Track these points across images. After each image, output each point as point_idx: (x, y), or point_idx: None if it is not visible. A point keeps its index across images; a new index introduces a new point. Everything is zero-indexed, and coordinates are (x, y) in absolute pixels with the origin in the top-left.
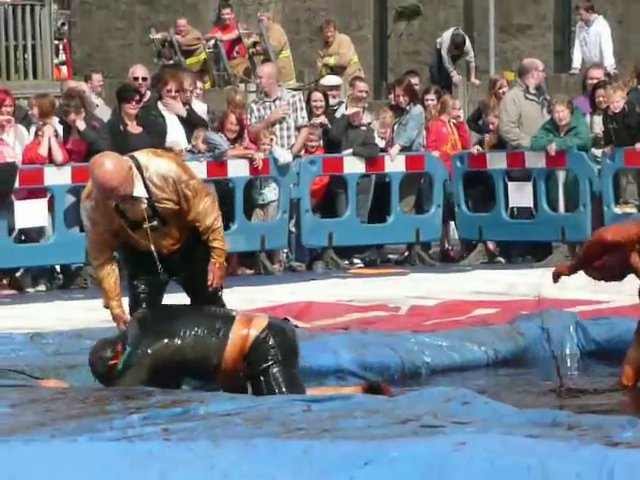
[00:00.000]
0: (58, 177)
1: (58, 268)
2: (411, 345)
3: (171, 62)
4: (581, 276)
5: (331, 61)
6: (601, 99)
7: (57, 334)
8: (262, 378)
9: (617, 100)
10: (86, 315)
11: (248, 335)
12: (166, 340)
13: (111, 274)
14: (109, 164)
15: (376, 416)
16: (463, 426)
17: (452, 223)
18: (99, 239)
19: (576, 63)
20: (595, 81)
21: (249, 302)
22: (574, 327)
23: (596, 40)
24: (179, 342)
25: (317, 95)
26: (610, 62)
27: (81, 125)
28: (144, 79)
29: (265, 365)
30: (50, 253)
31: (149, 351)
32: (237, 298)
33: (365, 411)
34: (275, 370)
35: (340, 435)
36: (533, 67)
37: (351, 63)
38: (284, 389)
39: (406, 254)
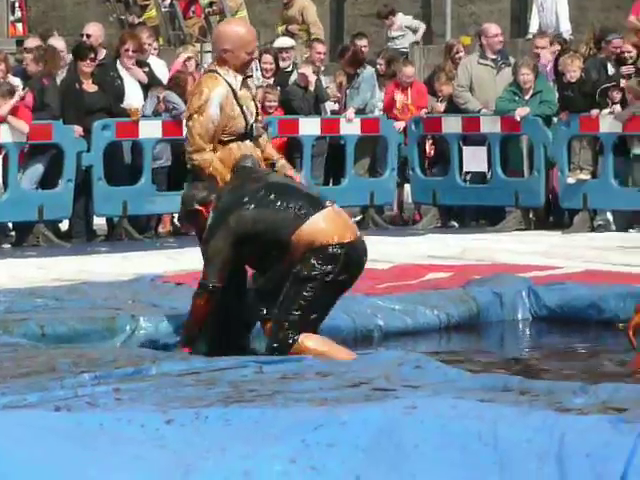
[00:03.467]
0: (12, 134)
1: (10, 225)
2: (364, 308)
3: (122, 18)
4: (535, 242)
5: (304, 36)
6: (563, 67)
7: (9, 292)
8: (297, 283)
9: (574, 69)
10: (38, 273)
11: (325, 234)
12: (252, 206)
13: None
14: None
15: (328, 379)
16: (414, 390)
17: (407, 186)
18: (215, 129)
19: (533, 28)
20: (539, 50)
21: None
22: (527, 292)
23: (553, 6)
24: (262, 209)
25: (267, 57)
26: (566, 28)
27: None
28: (96, 37)
29: (313, 274)
30: (2, 210)
31: (234, 224)
32: (190, 258)
33: (317, 373)
34: (315, 286)
35: (292, 397)
36: (485, 32)
37: (314, 26)
38: (298, 310)
39: (360, 217)
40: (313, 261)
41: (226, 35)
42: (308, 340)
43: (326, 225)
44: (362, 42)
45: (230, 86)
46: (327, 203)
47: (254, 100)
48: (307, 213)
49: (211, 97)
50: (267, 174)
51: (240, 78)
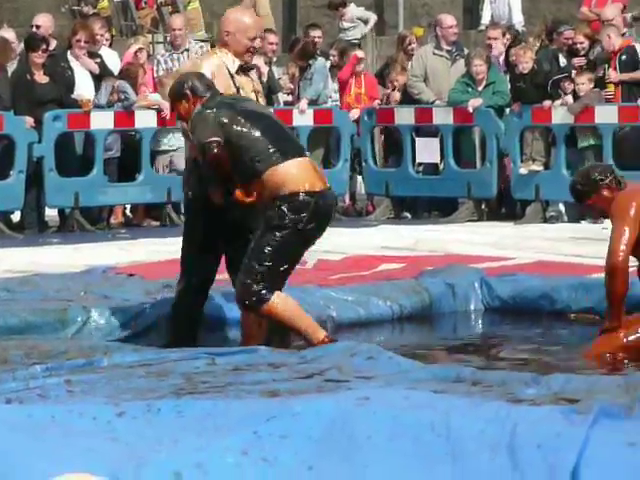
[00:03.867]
0: None
1: None
2: (317, 299)
3: (75, 8)
4: (487, 233)
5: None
6: (515, 58)
7: None
8: (268, 231)
9: (526, 61)
10: None
11: (297, 181)
12: (242, 121)
13: None
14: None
15: (280, 370)
16: (367, 381)
17: (360, 178)
18: None
19: (485, 20)
20: (492, 41)
21: (155, 254)
22: (479, 283)
23: None
24: (251, 130)
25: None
26: (518, 19)
27: None
28: (46, 28)
29: (284, 222)
30: None
31: (224, 119)
32: (143, 250)
33: (269, 365)
34: (285, 234)
35: (244, 389)
36: (440, 23)
37: (266, 17)
38: (268, 260)
39: None
40: (284, 209)
41: (230, 19)
42: (279, 304)
43: (298, 172)
44: (316, 33)
45: (226, 66)
46: (306, 153)
47: (256, 93)
48: (285, 155)
49: (201, 64)
50: (263, 107)
51: (237, 63)
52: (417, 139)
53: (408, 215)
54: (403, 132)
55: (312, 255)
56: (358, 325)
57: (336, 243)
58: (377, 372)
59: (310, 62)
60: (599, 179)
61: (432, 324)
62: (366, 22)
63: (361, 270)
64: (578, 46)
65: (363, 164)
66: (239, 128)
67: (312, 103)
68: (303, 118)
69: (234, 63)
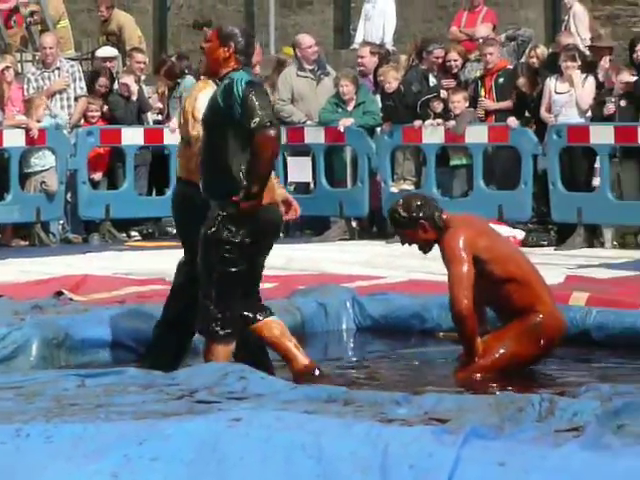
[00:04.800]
0: None
1: None
2: None
3: None
4: (359, 252)
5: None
6: (381, 78)
7: None
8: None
9: (390, 81)
10: None
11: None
12: None
13: None
14: None
15: (151, 391)
16: (239, 402)
17: None
18: None
19: (358, 39)
20: (362, 60)
21: (23, 274)
22: (351, 303)
23: (379, 17)
24: None
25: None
26: (390, 39)
27: None
28: None
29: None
30: None
31: None
32: (11, 270)
33: (140, 386)
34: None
35: (115, 411)
36: (299, 44)
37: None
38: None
39: None
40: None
41: None
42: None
43: None
44: (184, 63)
45: None
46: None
47: None
48: None
49: (197, 95)
50: None
51: None
52: (289, 158)
53: (280, 234)
54: None
55: None
56: None
57: None
58: (249, 393)
59: (179, 80)
60: (418, 216)
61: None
62: None
63: None
64: (452, 63)
65: None
66: None
67: None
68: (173, 137)
69: None
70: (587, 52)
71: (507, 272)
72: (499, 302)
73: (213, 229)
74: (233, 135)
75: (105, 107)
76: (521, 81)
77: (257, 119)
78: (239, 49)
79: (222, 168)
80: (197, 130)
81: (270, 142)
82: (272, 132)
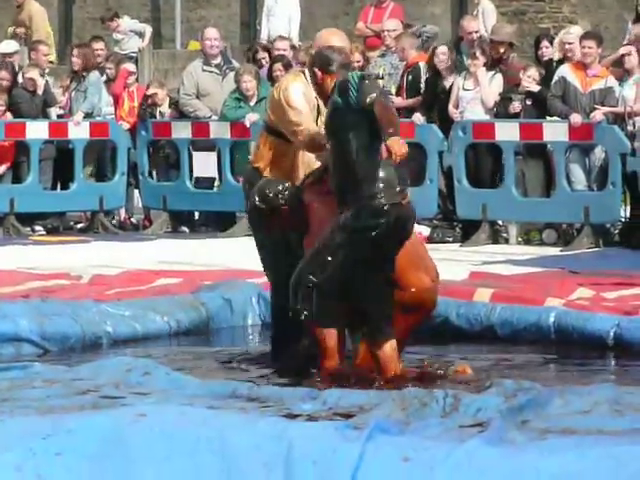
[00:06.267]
0: None
1: None
2: (93, 315)
3: None
4: None
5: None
6: (278, 73)
7: None
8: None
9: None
10: None
11: None
12: None
13: None
14: None
15: (56, 386)
16: (143, 397)
17: (136, 191)
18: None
19: (263, 34)
20: (283, 52)
21: None
22: (257, 298)
23: (283, 12)
24: None
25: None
26: (295, 35)
27: None
28: None
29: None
30: None
31: None
32: None
33: (45, 381)
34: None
35: (19, 405)
36: (203, 38)
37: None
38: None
39: (89, 222)
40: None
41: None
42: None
43: None
44: (99, 45)
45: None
46: None
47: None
48: None
49: (288, 86)
50: None
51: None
52: (194, 153)
53: (185, 229)
54: (180, 146)
55: (88, 270)
56: (135, 341)
57: (113, 257)
58: (153, 388)
59: (85, 74)
60: (275, 199)
61: (209, 339)
62: (141, 35)
63: (138, 285)
64: (355, 65)
65: (140, 177)
66: None
67: (88, 116)
68: (79, 131)
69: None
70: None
71: None
72: None
73: (352, 223)
74: (356, 138)
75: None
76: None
77: (373, 95)
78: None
79: (350, 173)
80: (298, 119)
81: (387, 109)
82: (385, 100)
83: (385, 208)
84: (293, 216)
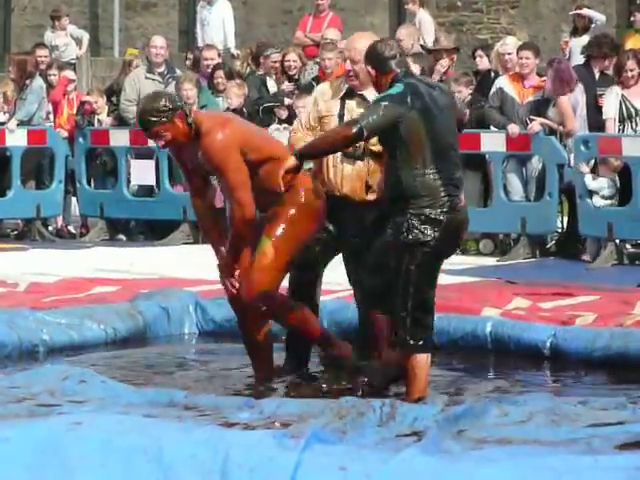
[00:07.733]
0: None
1: None
2: (29, 323)
3: None
4: (203, 256)
5: None
6: (219, 80)
7: None
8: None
9: (231, 97)
10: None
11: None
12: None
13: None
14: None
15: None
16: (79, 405)
17: (74, 199)
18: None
19: (200, 43)
20: (210, 62)
21: None
22: (194, 307)
23: (217, 21)
24: None
25: None
26: (232, 43)
27: None
28: None
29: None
30: None
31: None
32: None
33: None
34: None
35: None
36: (149, 45)
37: None
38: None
39: (25, 229)
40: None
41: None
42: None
43: None
44: (42, 52)
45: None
46: None
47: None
48: None
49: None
50: None
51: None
52: (132, 161)
53: (123, 237)
54: (118, 154)
55: (24, 278)
56: (71, 349)
57: (50, 265)
58: (89, 396)
59: (27, 82)
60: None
61: (146, 348)
62: (78, 42)
63: (75, 292)
64: (291, 64)
65: (77, 185)
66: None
67: (26, 123)
68: (16, 138)
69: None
70: (423, 52)
71: (264, 153)
72: (261, 187)
73: (404, 234)
74: (394, 146)
75: None
76: None
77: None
78: None
79: (396, 177)
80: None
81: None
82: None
83: (439, 218)
84: None
